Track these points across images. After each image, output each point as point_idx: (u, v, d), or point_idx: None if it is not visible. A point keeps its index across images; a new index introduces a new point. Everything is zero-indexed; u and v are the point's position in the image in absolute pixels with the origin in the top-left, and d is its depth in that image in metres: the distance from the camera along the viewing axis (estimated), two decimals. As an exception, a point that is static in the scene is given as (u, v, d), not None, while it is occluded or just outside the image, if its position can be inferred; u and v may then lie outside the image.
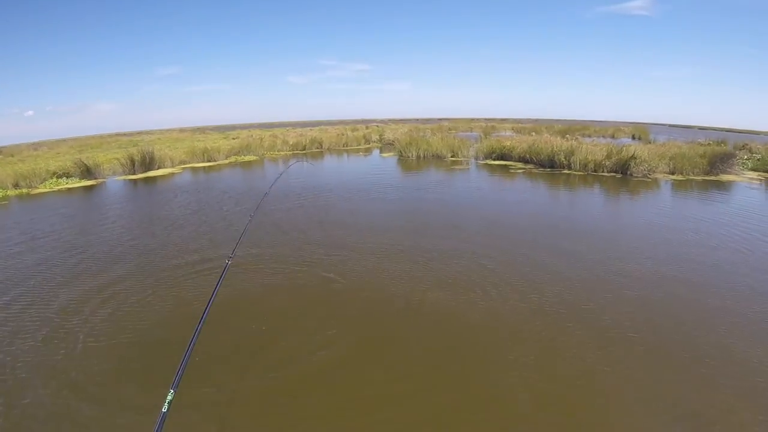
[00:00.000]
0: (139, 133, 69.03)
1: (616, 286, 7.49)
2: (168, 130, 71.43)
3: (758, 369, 5.11)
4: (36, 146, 44.80)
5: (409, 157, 26.14)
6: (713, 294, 7.20)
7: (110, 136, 64.61)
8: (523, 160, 23.32)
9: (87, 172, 19.87)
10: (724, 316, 6.40)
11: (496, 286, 7.43)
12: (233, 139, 36.56)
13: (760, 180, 19.50)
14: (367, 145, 36.23)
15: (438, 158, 25.74)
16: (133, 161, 21.39)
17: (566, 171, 20.76)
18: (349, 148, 34.41)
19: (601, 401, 4.59)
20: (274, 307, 6.85)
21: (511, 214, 12.79)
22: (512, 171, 21.21)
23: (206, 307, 2.58)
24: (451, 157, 25.92)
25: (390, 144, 32.78)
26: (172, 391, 1.86)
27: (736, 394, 4.66)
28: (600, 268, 8.30)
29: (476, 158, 25.45)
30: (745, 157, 23.69)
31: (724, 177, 19.54)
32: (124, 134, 66.87)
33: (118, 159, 22.30)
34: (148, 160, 21.88)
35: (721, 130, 76.10)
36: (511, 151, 24.16)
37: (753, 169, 21.83)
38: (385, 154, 29.05)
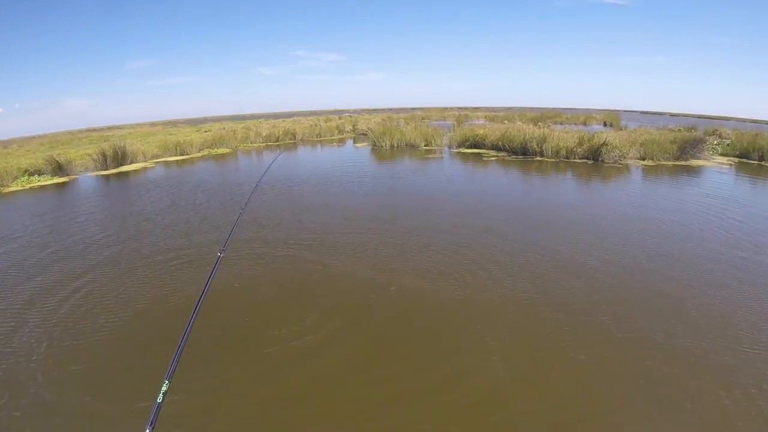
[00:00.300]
0: (110, 128, 67.52)
1: (590, 271, 7.46)
2: (139, 125, 70.20)
3: (732, 348, 5.18)
4: (5, 144, 43.39)
5: (383, 146, 25.80)
6: (686, 276, 7.25)
7: (81, 132, 62.97)
8: (496, 148, 23.14)
9: (59, 168, 19.09)
10: (695, 298, 6.45)
11: (471, 273, 7.41)
12: (206, 132, 35.75)
13: (730, 164, 19.75)
14: (341, 136, 35.65)
15: (412, 147, 25.43)
16: (105, 157, 20.62)
17: (539, 158, 20.66)
18: (322, 139, 33.89)
19: (581, 383, 4.62)
20: (255, 297, 6.74)
21: (485, 201, 12.69)
22: (485, 159, 21.06)
23: (201, 296, 2.43)
24: (425, 146, 25.62)
25: (363, 134, 32.36)
26: (166, 381, 1.80)
27: (712, 375, 4.71)
28: (573, 253, 8.27)
29: (450, 147, 25.22)
30: (715, 142, 23.93)
31: (695, 162, 19.69)
32: (95, 130, 65.22)
33: (89, 155, 21.47)
34: (120, 155, 21.16)
35: (693, 116, 77.18)
36: (484, 140, 23.96)
37: (723, 154, 22.08)
38: (358, 145, 28.64)
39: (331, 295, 6.73)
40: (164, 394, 1.75)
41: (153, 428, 1.62)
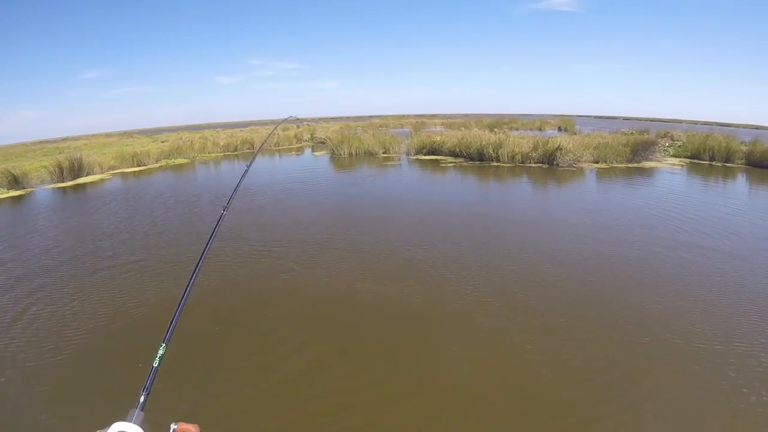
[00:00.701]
0: (65, 139, 65.69)
1: (547, 274, 7.52)
2: (94, 136, 68.53)
3: (686, 342, 5.30)
4: (-43, 158, 41.99)
5: (341, 155, 25.44)
6: (638, 274, 7.44)
7: (34, 143, 61.33)
8: (453, 154, 23.08)
9: (15, 182, 18.41)
10: (648, 295, 6.63)
11: (433, 278, 7.43)
12: (162, 142, 34.93)
13: (682, 165, 20.25)
14: (299, 145, 35.01)
15: (370, 155, 25.13)
16: (61, 169, 20.01)
17: (495, 163, 20.65)
18: (281, 147, 33.30)
19: (547, 384, 4.63)
20: (222, 308, 6.60)
21: (443, 207, 12.79)
22: (443, 165, 21.01)
23: (202, 253, 2.24)
24: (383, 153, 25.40)
25: (322, 142, 31.98)
26: (163, 345, 1.71)
27: (671, 369, 4.85)
28: (531, 256, 8.36)
29: (408, 154, 25.04)
30: (667, 144, 24.49)
31: (647, 164, 20.01)
32: (49, 141, 63.54)
33: (45, 167, 20.68)
34: (76, 167, 20.50)
35: (646, 119, 78.99)
36: (442, 146, 23.92)
37: (674, 156, 22.57)
38: (317, 153, 28.18)
39: (296, 305, 6.70)
40: (161, 358, 1.66)
41: (148, 394, 1.52)
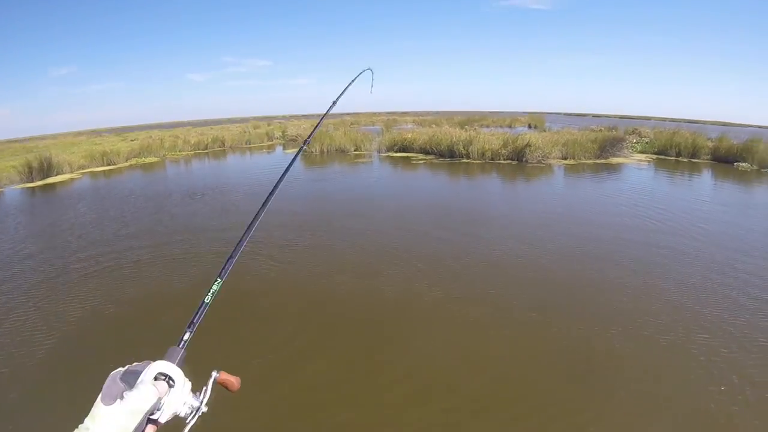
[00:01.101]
0: (32, 138, 64.53)
1: (515, 266, 7.67)
2: (62, 135, 67.25)
3: (656, 336, 5.43)
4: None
5: (312, 152, 25.38)
6: (604, 265, 7.68)
7: (2, 143, 60.23)
8: (424, 151, 23.16)
9: None
10: (615, 284, 6.90)
11: (406, 273, 7.50)
12: (132, 140, 34.32)
13: (648, 161, 20.63)
14: (270, 143, 34.46)
15: (342, 152, 24.95)
16: (30, 168, 19.65)
17: (465, 160, 20.74)
18: (252, 146, 32.90)
19: (521, 377, 4.74)
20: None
21: (414, 202, 13.03)
22: (414, 162, 20.99)
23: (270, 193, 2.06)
24: (355, 150, 25.29)
25: (293, 140, 31.93)
26: (219, 280, 1.60)
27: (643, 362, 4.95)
28: (501, 250, 8.46)
29: (379, 151, 24.98)
30: (635, 141, 24.93)
31: (614, 160, 20.34)
32: (17, 140, 62.13)
33: (14, 167, 20.25)
34: (46, 166, 20.11)
35: (615, 116, 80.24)
36: (413, 143, 23.96)
37: (642, 152, 22.99)
38: (288, 151, 27.85)
39: (277, 297, 6.78)
40: (213, 294, 1.55)
41: (193, 330, 1.38)
